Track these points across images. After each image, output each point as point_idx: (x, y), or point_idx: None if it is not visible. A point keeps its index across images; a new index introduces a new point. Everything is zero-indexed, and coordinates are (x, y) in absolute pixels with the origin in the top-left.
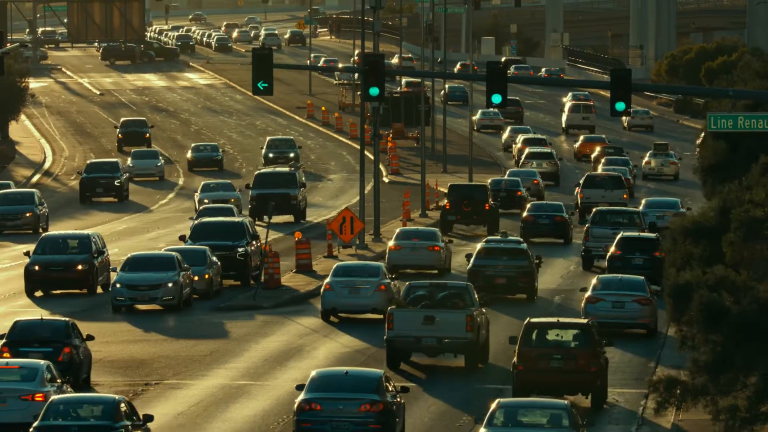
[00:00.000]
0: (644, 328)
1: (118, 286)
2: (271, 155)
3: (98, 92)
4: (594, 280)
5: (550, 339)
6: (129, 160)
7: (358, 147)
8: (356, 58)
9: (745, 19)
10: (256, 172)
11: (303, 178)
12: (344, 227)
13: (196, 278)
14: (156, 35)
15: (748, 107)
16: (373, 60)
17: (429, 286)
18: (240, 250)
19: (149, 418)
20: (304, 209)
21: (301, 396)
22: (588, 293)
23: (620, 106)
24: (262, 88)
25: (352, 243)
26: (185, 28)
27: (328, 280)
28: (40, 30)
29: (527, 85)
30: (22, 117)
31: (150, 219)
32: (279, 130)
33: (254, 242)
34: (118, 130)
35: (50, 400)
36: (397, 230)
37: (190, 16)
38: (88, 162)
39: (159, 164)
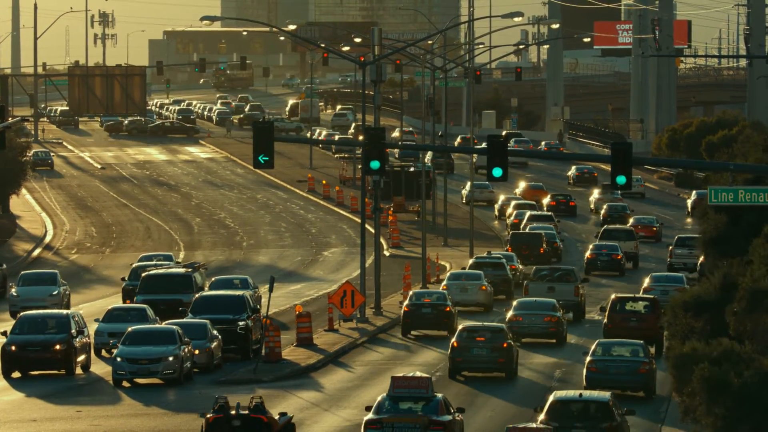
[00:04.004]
0: None
1: (118, 360)
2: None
3: (99, 166)
4: (648, 279)
5: (628, 308)
6: (13, 289)
7: (359, 220)
8: (352, 129)
9: (745, 93)
10: (143, 274)
11: (203, 281)
12: (345, 301)
13: (196, 352)
14: (157, 109)
15: (748, 181)
16: (373, 133)
17: (549, 269)
18: (241, 323)
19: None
20: None
21: (510, 312)
22: (645, 285)
23: (621, 179)
24: (263, 162)
25: (353, 316)
26: (186, 102)
27: (444, 282)
28: (59, 109)
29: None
30: (23, 191)
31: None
32: (279, 203)
33: (255, 316)
34: None
35: None
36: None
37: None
38: None
39: (56, 292)
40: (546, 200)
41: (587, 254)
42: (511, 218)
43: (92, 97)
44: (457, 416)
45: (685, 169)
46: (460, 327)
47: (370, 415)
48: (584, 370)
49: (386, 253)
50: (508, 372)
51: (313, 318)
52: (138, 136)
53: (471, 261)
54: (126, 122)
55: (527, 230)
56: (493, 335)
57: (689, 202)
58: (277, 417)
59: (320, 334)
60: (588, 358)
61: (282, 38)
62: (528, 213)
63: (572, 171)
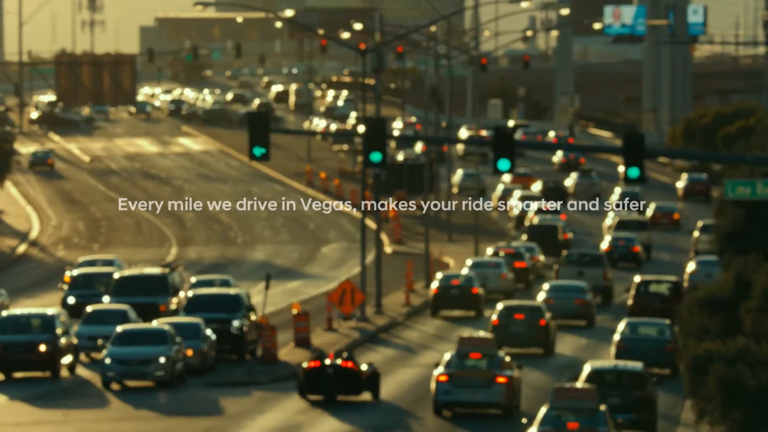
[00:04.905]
0: None
1: (108, 361)
2: None
3: (88, 159)
4: (693, 263)
5: (651, 290)
6: None
7: (359, 215)
8: (352, 120)
9: (763, 82)
10: (116, 275)
11: (180, 280)
12: (344, 299)
13: (189, 352)
14: (148, 98)
15: (767, 174)
16: (374, 124)
17: (578, 254)
18: (235, 323)
19: None
20: None
21: (543, 295)
22: (692, 269)
23: (633, 172)
24: (258, 155)
25: (352, 315)
26: (178, 91)
27: (464, 272)
28: (45, 99)
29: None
30: (8, 184)
31: None
32: (275, 197)
33: (250, 315)
34: None
35: None
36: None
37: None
38: None
39: None
40: (535, 186)
41: (604, 246)
42: (515, 210)
43: (80, 86)
44: (516, 373)
45: (701, 161)
46: (500, 306)
47: (440, 369)
48: (613, 348)
49: (388, 250)
50: (545, 347)
51: (312, 317)
52: (217, 123)
53: (490, 250)
54: (202, 111)
55: (535, 222)
56: (531, 313)
57: (679, 185)
58: (365, 368)
59: (318, 334)
60: (616, 337)
61: (278, 24)
62: (535, 205)
63: (558, 157)
